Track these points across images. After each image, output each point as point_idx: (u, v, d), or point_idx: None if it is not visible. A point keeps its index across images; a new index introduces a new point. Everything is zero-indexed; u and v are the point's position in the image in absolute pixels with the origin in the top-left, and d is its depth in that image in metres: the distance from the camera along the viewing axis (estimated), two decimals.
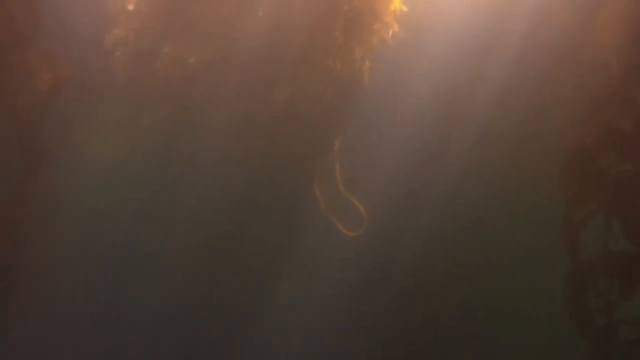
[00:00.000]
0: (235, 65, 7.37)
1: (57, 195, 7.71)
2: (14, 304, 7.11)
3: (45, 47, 7.32)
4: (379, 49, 5.85)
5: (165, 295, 7.45)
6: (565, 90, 6.84)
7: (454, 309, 6.93)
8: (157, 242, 7.51)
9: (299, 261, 6.80)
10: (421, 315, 6.94)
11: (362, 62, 5.82)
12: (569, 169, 4.88)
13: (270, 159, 6.88)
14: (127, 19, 7.50)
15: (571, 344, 5.00)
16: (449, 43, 8.60)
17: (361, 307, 7.11)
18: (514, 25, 8.31)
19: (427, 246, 6.66)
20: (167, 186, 7.89)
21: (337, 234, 6.31)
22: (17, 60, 7.20)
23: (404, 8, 5.96)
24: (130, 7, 7.55)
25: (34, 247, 7.34)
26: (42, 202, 7.50)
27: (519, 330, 6.33)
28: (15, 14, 7.25)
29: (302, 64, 6.27)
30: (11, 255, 7.23)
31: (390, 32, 5.78)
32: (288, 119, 6.57)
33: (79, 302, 7.56)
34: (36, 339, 7.28)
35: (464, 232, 6.68)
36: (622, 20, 5.09)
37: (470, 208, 6.65)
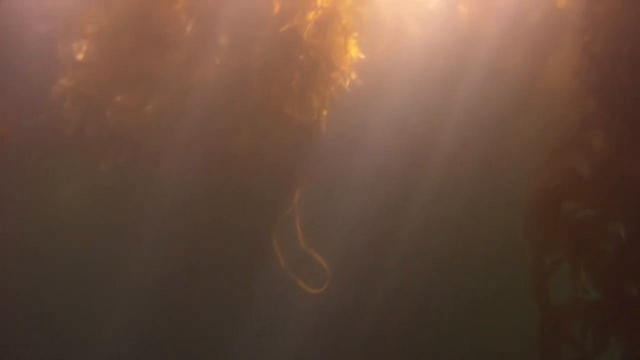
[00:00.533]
0: (190, 113, 7.21)
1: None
2: None
3: None
4: (337, 96, 5.75)
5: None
6: (524, 136, 6.95)
7: None
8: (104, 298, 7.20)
9: (257, 320, 6.49)
10: None
11: (320, 111, 5.70)
12: (533, 216, 4.78)
13: (227, 211, 6.63)
14: (76, 68, 7.28)
15: None
16: (408, 89, 8.69)
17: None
18: (472, 71, 8.50)
19: (390, 300, 6.45)
20: (121, 236, 7.62)
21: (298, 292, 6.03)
22: None
23: (361, 56, 5.92)
24: (80, 56, 7.34)
25: None
26: None
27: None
28: None
29: (258, 112, 6.14)
30: None
31: (348, 81, 5.71)
32: (245, 169, 6.36)
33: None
34: None
35: (427, 282, 6.51)
36: (579, 64, 5.15)
37: (433, 259, 6.51)
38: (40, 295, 7.49)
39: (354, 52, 5.65)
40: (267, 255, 6.36)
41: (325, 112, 5.74)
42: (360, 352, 6.95)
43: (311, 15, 5.08)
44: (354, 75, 5.80)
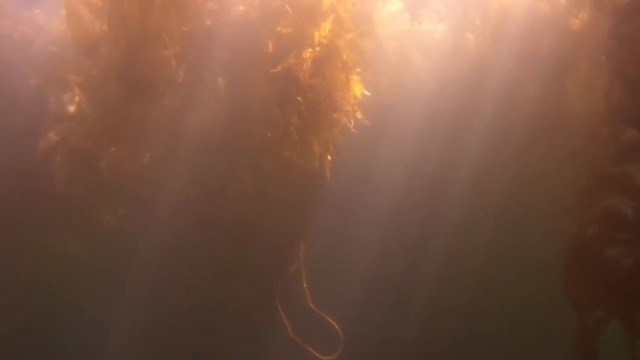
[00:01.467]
0: (187, 158, 6.83)
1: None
2: None
3: None
4: (341, 139, 5.26)
5: None
6: (548, 174, 6.37)
7: None
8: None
9: None
10: None
11: (323, 156, 5.20)
12: (571, 268, 4.15)
13: (228, 268, 6.11)
14: (66, 120, 6.93)
15: None
16: (417, 124, 8.21)
17: None
18: (484, 102, 8.01)
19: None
20: (123, 282, 7.43)
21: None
22: None
23: (366, 92, 5.45)
24: (70, 108, 7.01)
25: None
26: None
27: None
28: None
29: (259, 154, 5.70)
30: None
31: (352, 121, 5.22)
32: (244, 223, 5.87)
33: None
34: None
35: (437, 340, 5.86)
36: (609, 90, 4.61)
37: (447, 314, 5.88)
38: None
39: (358, 89, 5.17)
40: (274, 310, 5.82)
41: (329, 157, 5.23)
42: None
43: (308, 53, 4.62)
44: (359, 115, 5.31)
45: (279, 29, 4.80)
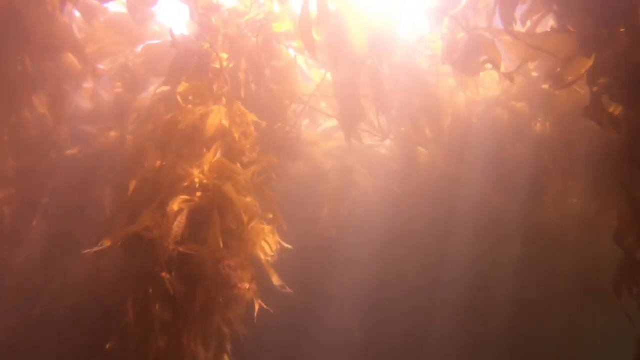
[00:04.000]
0: None
1: None
2: None
3: None
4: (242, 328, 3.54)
5: None
6: None
7: None
8: None
9: None
10: None
11: None
12: None
13: None
14: None
15: None
16: (371, 257, 6.69)
17: None
18: (450, 221, 6.69)
19: None
20: None
21: None
22: None
23: (286, 245, 3.87)
24: None
25: None
26: None
27: None
28: None
29: None
30: None
31: (259, 298, 3.52)
32: None
33: None
34: None
35: None
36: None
37: None
38: None
39: (268, 245, 3.60)
40: None
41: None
42: None
43: (179, 204, 3.03)
44: (276, 279, 3.64)
45: (145, 166, 3.29)
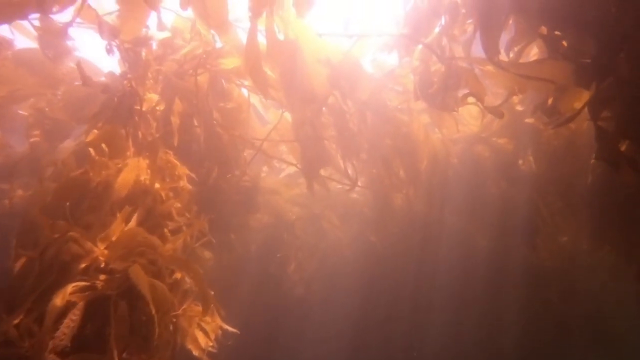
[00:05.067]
0: None
1: None
2: None
3: None
4: None
5: None
6: None
7: None
8: None
9: None
10: None
11: None
12: None
13: None
14: None
15: None
16: (344, 312, 5.90)
17: None
18: (429, 268, 5.99)
19: None
20: None
21: None
22: None
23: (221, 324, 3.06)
24: None
25: None
26: None
27: None
28: None
29: None
30: None
31: None
32: None
33: None
34: None
35: None
36: None
37: None
38: None
39: (204, 334, 2.78)
40: None
41: None
42: None
43: (60, 301, 2.12)
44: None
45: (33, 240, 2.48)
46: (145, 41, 3.46)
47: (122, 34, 3.33)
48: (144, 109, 3.22)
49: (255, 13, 3.08)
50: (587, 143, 4.80)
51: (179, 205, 3.01)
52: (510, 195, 5.99)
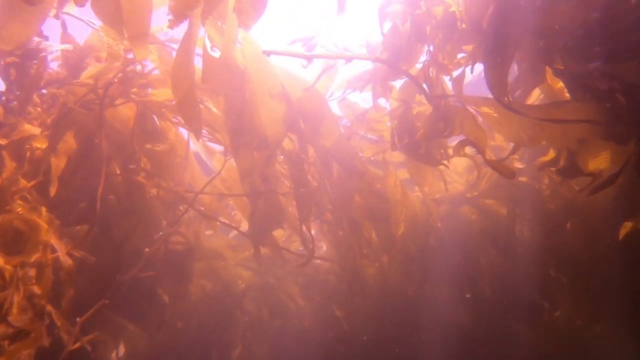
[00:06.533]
0: None
1: None
2: None
3: None
4: None
5: None
6: None
7: None
8: None
9: None
10: None
11: None
12: None
13: None
14: None
15: None
16: None
17: None
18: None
19: None
20: None
21: None
22: None
23: None
24: None
25: None
26: None
27: None
28: None
29: None
30: None
31: None
32: None
33: None
34: None
35: None
36: None
37: None
38: None
39: None
40: None
41: None
42: None
43: None
44: None
45: None
46: (36, 54, 2.54)
47: (1, 40, 2.42)
48: (3, 143, 2.26)
49: (176, 15, 2.21)
50: (593, 205, 4.08)
51: (39, 292, 2.01)
52: (501, 267, 5.17)
